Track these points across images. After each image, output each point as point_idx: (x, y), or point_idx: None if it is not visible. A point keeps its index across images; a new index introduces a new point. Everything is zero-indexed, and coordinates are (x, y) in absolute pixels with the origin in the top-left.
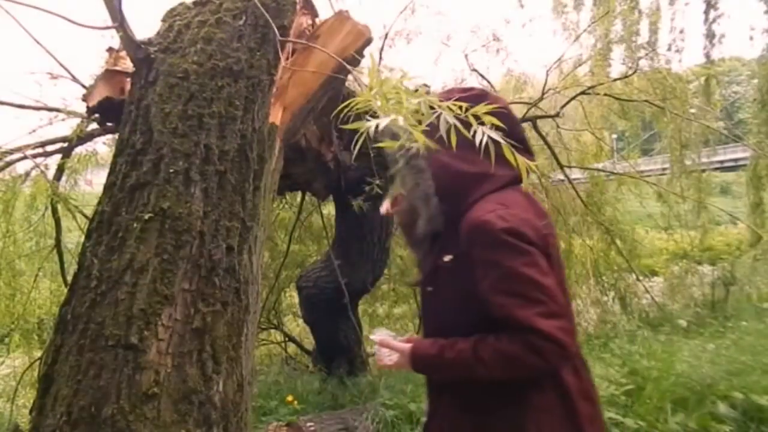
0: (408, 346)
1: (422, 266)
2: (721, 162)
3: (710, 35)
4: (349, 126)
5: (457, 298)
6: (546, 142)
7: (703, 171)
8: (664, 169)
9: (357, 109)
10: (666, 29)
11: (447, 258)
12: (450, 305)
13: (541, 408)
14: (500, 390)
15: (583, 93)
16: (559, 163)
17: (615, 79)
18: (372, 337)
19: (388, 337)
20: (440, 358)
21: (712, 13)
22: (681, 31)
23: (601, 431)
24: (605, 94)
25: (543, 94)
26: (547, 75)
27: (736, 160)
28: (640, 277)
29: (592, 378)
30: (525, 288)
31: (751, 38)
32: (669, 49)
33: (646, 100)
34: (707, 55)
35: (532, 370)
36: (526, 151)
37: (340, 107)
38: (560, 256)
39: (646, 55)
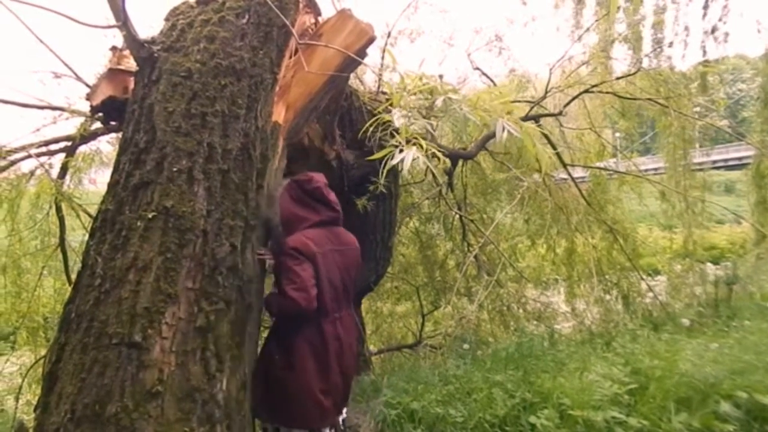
0: None
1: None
2: (726, 161)
3: (712, 31)
4: (376, 156)
5: (278, 278)
6: (549, 141)
7: (701, 170)
8: (661, 167)
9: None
10: (670, 27)
11: (280, 257)
12: (278, 280)
13: (303, 334)
14: (292, 323)
15: (586, 91)
16: (562, 162)
17: (618, 78)
18: None
19: None
20: (266, 297)
21: (713, 9)
22: (686, 28)
23: (348, 360)
24: (608, 92)
25: (546, 92)
26: (550, 74)
27: (740, 158)
28: (643, 276)
29: (351, 331)
30: (290, 274)
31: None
32: (670, 47)
33: (649, 98)
34: (704, 51)
35: (289, 313)
36: (318, 200)
37: (371, 122)
38: (333, 263)
39: (650, 53)
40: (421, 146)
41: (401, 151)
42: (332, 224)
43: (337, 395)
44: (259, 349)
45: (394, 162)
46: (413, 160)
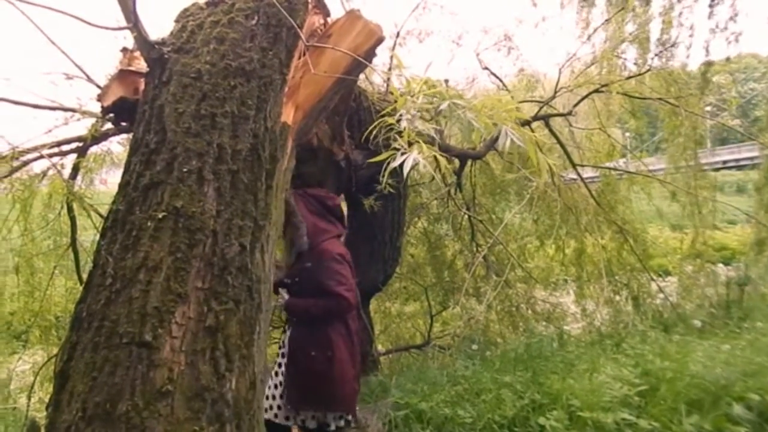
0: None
1: (292, 266)
2: (737, 160)
3: (721, 29)
4: (378, 158)
5: (308, 284)
6: (559, 141)
7: (706, 169)
8: (671, 167)
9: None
10: (677, 26)
11: (308, 264)
12: (305, 287)
13: (336, 329)
14: (323, 321)
15: (596, 91)
16: (571, 161)
17: (628, 77)
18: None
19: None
20: (295, 304)
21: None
22: (691, 27)
23: (357, 349)
24: (618, 92)
25: (555, 92)
26: (560, 73)
27: (752, 158)
28: (654, 277)
29: (359, 326)
30: (339, 277)
31: None
32: (674, 47)
33: (660, 98)
34: (707, 51)
35: (334, 314)
36: (337, 218)
37: (375, 124)
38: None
39: (659, 52)
40: (423, 149)
41: (403, 154)
42: (342, 237)
43: (358, 380)
44: (266, 350)
45: (394, 165)
46: (414, 164)
